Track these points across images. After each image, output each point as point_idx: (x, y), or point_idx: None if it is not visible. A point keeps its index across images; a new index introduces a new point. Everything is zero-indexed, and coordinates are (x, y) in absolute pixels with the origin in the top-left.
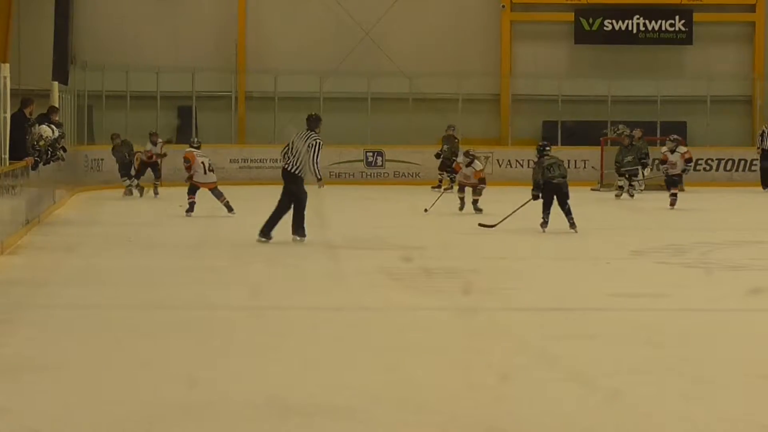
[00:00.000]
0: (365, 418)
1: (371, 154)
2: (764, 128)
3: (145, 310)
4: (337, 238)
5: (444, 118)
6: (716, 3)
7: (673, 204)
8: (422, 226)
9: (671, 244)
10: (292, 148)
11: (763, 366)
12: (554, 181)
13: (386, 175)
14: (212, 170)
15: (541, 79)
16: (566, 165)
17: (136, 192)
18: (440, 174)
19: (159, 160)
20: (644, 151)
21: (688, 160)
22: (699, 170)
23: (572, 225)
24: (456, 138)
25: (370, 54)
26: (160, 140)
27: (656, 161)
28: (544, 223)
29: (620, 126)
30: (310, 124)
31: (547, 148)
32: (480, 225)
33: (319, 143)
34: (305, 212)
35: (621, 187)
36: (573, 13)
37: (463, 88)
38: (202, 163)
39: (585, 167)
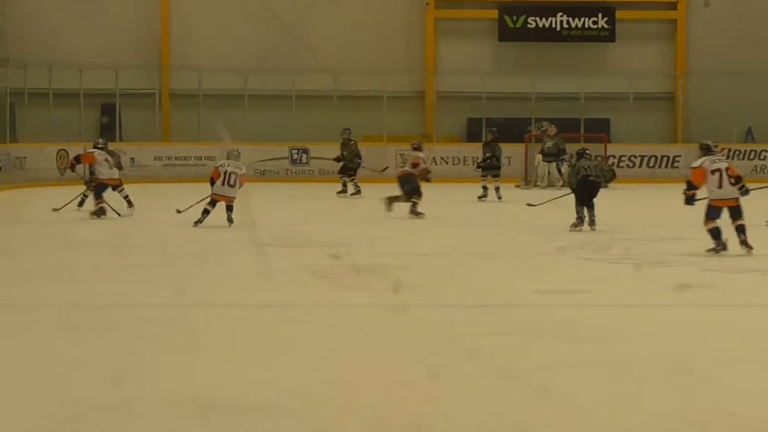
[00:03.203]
0: (290, 416)
1: (296, 151)
2: None
3: (70, 308)
4: (264, 235)
5: (369, 115)
6: (638, 1)
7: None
8: (348, 223)
9: (594, 241)
10: None
11: (686, 361)
12: (590, 178)
13: (311, 172)
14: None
15: (465, 76)
16: None
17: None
18: (341, 178)
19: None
20: (561, 147)
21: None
22: (623, 167)
23: (592, 222)
24: (352, 140)
25: (295, 52)
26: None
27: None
28: (580, 221)
29: (544, 123)
30: None
31: (587, 153)
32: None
33: None
34: None
35: (485, 188)
36: (497, 11)
37: (388, 85)
38: (106, 160)
39: (510, 164)
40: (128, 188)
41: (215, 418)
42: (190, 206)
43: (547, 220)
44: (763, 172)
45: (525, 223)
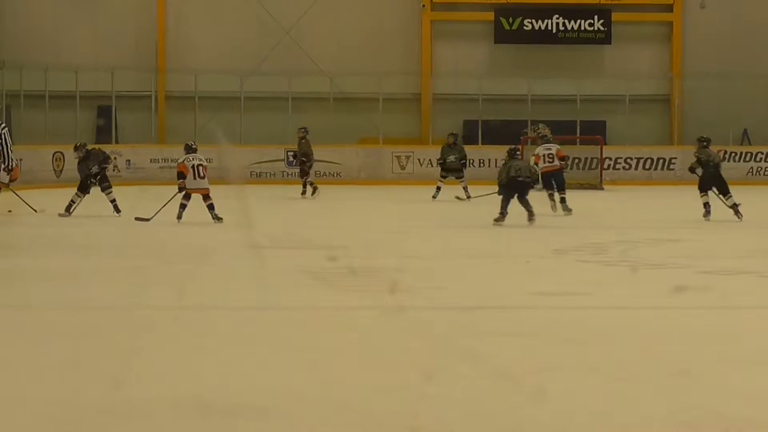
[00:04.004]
0: (286, 417)
1: (292, 153)
2: None
3: (70, 310)
4: (261, 237)
5: (365, 117)
6: (634, 3)
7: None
8: (345, 225)
9: (591, 243)
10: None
11: (682, 363)
12: (519, 179)
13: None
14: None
15: (461, 78)
16: (486, 164)
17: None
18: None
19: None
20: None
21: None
22: (618, 169)
23: (531, 217)
24: (304, 139)
25: (291, 54)
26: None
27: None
28: (502, 217)
29: (540, 125)
30: None
31: (518, 153)
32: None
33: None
34: None
35: (438, 188)
36: (493, 13)
37: (384, 87)
38: None
39: None
40: (124, 190)
41: (213, 420)
42: (155, 214)
43: (542, 222)
44: (759, 175)
45: (521, 225)
